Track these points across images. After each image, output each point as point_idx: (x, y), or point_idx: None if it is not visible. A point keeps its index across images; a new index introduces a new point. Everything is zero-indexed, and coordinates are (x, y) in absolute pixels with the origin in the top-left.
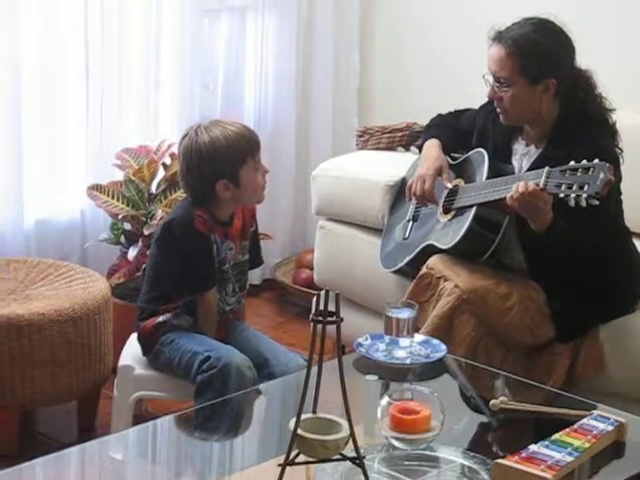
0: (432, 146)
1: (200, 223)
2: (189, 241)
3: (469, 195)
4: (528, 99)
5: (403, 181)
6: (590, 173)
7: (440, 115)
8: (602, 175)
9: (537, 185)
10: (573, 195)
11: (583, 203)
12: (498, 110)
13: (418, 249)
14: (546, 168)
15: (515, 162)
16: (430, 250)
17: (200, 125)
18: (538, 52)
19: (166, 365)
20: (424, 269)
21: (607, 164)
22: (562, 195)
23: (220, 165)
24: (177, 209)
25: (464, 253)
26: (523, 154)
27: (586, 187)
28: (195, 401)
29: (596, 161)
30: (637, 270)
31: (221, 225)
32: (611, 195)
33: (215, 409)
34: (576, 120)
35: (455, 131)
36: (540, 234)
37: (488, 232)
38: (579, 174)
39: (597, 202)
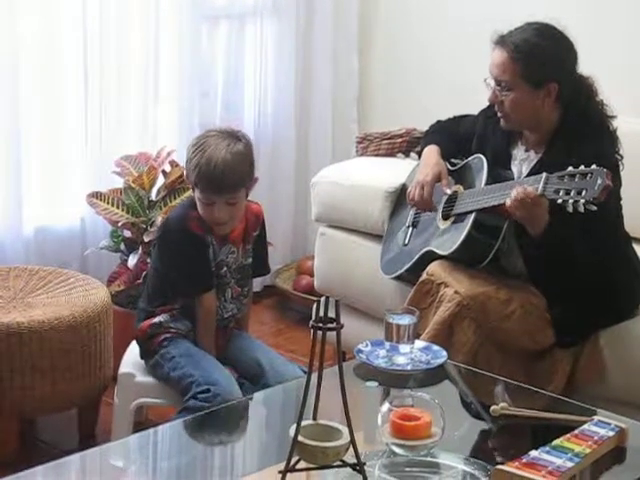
0: (431, 152)
1: (195, 224)
2: (184, 241)
3: (468, 201)
4: (529, 104)
5: (403, 187)
6: (588, 179)
7: (439, 121)
8: (600, 181)
9: (535, 190)
10: (571, 201)
11: (581, 209)
12: (499, 114)
13: (418, 255)
14: (544, 174)
15: (514, 167)
16: (430, 256)
17: (226, 131)
18: (540, 57)
19: (164, 378)
20: (424, 275)
21: (605, 170)
22: (560, 201)
23: (189, 169)
24: (175, 209)
25: (464, 259)
26: (522, 159)
27: (584, 193)
28: (175, 414)
29: (594, 167)
30: (637, 275)
31: None
32: (610, 201)
33: (216, 416)
34: (576, 126)
35: (454, 137)
36: (537, 239)
37: (488, 238)
38: (577, 180)
39: (595, 207)
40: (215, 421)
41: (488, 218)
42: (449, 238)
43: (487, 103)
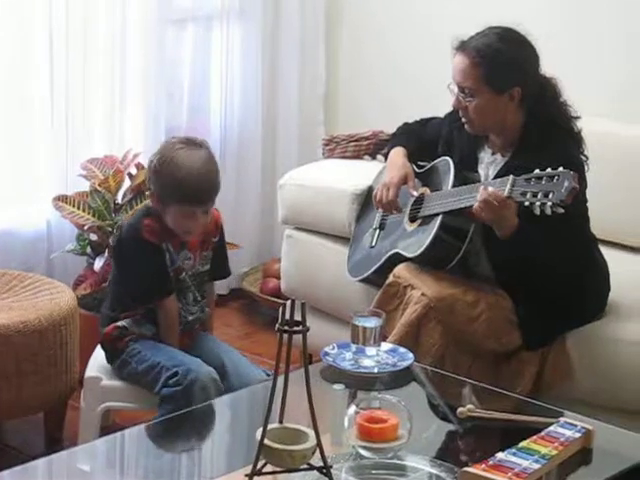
0: (397, 154)
1: (148, 232)
2: (137, 250)
3: (435, 203)
4: (493, 109)
5: (370, 189)
6: (555, 181)
7: (406, 123)
8: (567, 183)
9: (502, 193)
10: (538, 203)
11: (548, 211)
12: (463, 120)
13: (384, 258)
14: (511, 176)
15: (481, 170)
16: (397, 259)
17: (188, 141)
18: (502, 61)
19: (131, 376)
20: (391, 278)
21: (572, 172)
22: (527, 203)
23: (160, 184)
24: (129, 219)
25: (431, 261)
26: (489, 162)
27: (551, 195)
28: (158, 413)
29: (561, 169)
30: (603, 277)
31: (175, 235)
32: (576, 202)
33: (183, 420)
34: (542, 128)
35: (421, 139)
36: (505, 241)
37: (455, 240)
38: (544, 182)
39: (562, 210)
40: (182, 424)
41: (455, 220)
42: (416, 240)
43: (450, 103)
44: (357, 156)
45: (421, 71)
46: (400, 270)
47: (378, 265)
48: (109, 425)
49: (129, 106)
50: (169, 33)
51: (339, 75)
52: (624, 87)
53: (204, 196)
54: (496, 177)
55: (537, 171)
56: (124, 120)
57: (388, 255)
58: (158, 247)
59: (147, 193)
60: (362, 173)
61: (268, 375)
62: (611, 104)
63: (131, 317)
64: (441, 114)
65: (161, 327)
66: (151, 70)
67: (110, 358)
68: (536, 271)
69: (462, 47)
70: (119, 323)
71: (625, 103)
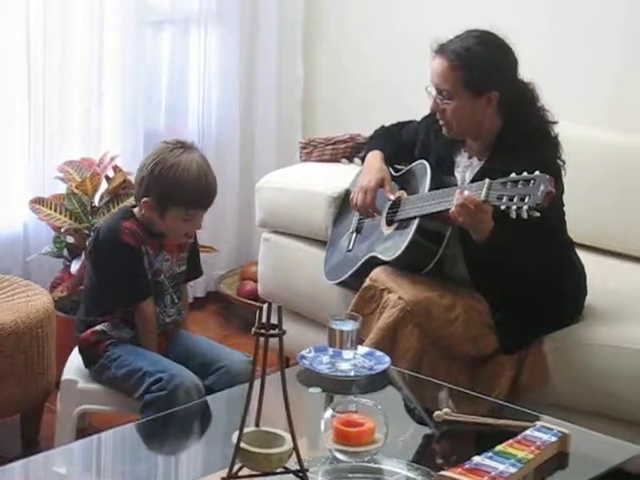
0: (374, 158)
1: (128, 235)
2: (116, 254)
3: (412, 207)
4: (470, 112)
5: (347, 193)
6: (531, 185)
7: (383, 127)
8: (543, 187)
9: (478, 197)
10: (514, 207)
11: (524, 215)
12: (441, 122)
13: (361, 261)
14: (487, 180)
15: (458, 174)
16: (374, 262)
17: (184, 145)
18: (480, 65)
19: (110, 380)
20: (368, 281)
21: (548, 176)
22: (503, 207)
23: (159, 188)
24: (106, 221)
25: (407, 265)
26: (466, 166)
27: (527, 199)
28: (140, 418)
29: (537, 173)
30: (580, 281)
31: (155, 237)
32: (553, 207)
33: (159, 423)
34: (518, 133)
35: (398, 143)
36: (481, 244)
37: (431, 244)
38: (520, 186)
39: (538, 214)
40: (158, 428)
41: (432, 224)
42: (393, 244)
43: (426, 108)
44: (334, 159)
45: (397, 75)
46: (377, 274)
47: (355, 269)
48: (85, 428)
49: (106, 108)
50: (147, 35)
51: (317, 78)
52: (608, 94)
53: (208, 199)
54: (472, 181)
55: (513, 175)
56: (101, 122)
57: (365, 259)
58: (137, 250)
59: (143, 199)
60: (339, 176)
61: (248, 356)
62: (595, 111)
63: (109, 321)
64: (418, 118)
65: (139, 330)
66: (128, 72)
67: (88, 362)
68: (512, 275)
69: (441, 50)
70: (97, 327)
71: (610, 110)
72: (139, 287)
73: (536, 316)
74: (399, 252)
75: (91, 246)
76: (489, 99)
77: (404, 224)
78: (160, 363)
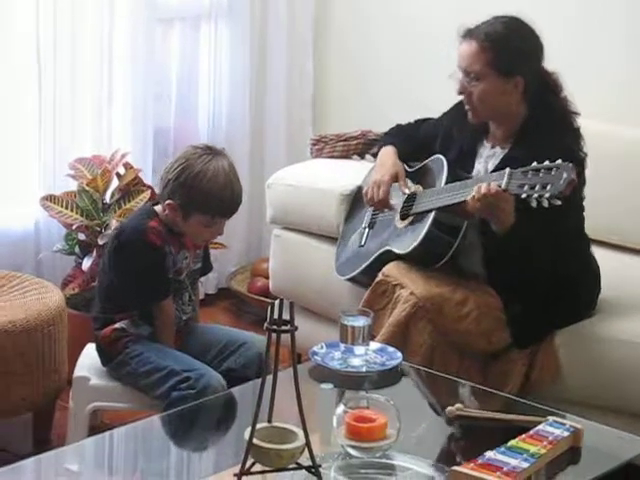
0: (388, 153)
1: (154, 235)
2: (141, 253)
3: (428, 200)
4: (498, 94)
5: (359, 189)
6: (553, 173)
7: (399, 125)
8: (565, 175)
9: (498, 186)
10: (535, 195)
11: (545, 204)
12: (467, 107)
13: (374, 256)
14: (507, 169)
15: (480, 165)
16: (387, 257)
17: (212, 150)
18: (509, 47)
19: (130, 377)
20: (380, 276)
21: (570, 164)
22: (524, 195)
23: (184, 193)
24: (130, 220)
25: (422, 258)
26: (489, 156)
27: (549, 187)
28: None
29: (559, 161)
30: (594, 277)
31: (175, 235)
32: (574, 200)
33: (171, 420)
34: (542, 121)
35: (412, 140)
36: (501, 235)
37: (447, 236)
38: (542, 175)
39: (559, 202)
40: (170, 424)
41: (448, 217)
42: (408, 237)
43: (442, 103)
44: (345, 156)
45: (408, 71)
46: (389, 269)
47: (368, 263)
48: (98, 425)
49: (117, 106)
50: (157, 33)
51: (327, 74)
52: (619, 88)
53: (233, 208)
54: (495, 170)
55: (535, 164)
56: (112, 120)
57: (378, 253)
58: (162, 249)
59: (167, 201)
60: (351, 173)
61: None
62: (605, 104)
63: (128, 318)
64: (429, 113)
65: (158, 328)
66: (139, 70)
67: (105, 359)
68: (531, 266)
69: (469, 34)
70: (117, 325)
71: (621, 104)
72: (162, 286)
73: (550, 310)
74: (415, 244)
75: (114, 245)
76: (516, 84)
77: (419, 217)
78: (186, 362)
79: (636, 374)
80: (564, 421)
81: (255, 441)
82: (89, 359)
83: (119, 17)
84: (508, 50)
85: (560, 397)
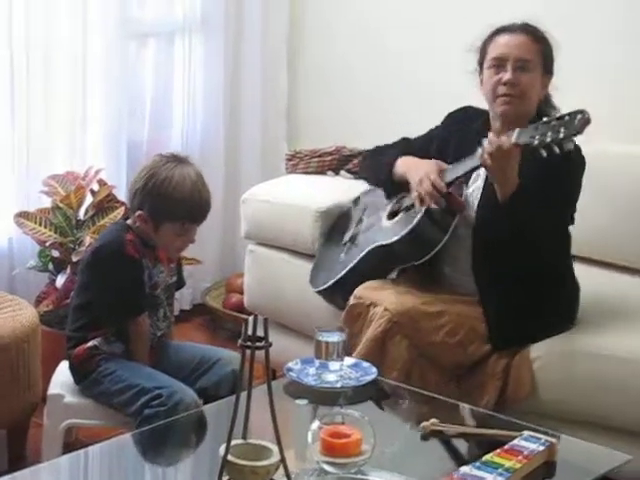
0: (409, 159)
1: (131, 248)
2: (120, 267)
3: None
4: (538, 88)
5: (340, 211)
6: (567, 119)
7: (378, 146)
8: (580, 116)
9: (509, 140)
10: (548, 140)
11: (556, 150)
12: (506, 99)
13: (361, 256)
14: (517, 129)
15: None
16: (373, 258)
17: (177, 158)
18: (549, 45)
19: (102, 395)
20: (352, 300)
21: (584, 109)
22: (536, 143)
23: (153, 202)
24: (106, 235)
25: (410, 250)
26: None
27: (562, 129)
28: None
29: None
30: (576, 289)
31: (150, 248)
32: (572, 194)
33: (146, 437)
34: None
35: (410, 151)
36: (504, 202)
37: (436, 231)
38: (553, 123)
39: (572, 145)
40: (145, 441)
41: (439, 212)
42: (397, 229)
43: (414, 118)
44: (320, 171)
45: (382, 87)
46: (360, 291)
47: (353, 264)
48: (72, 442)
49: (91, 122)
50: (131, 48)
51: (301, 90)
52: (610, 106)
53: (203, 213)
54: None
55: (545, 119)
56: (86, 136)
57: (365, 252)
58: (139, 263)
59: (137, 212)
60: (327, 190)
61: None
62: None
63: (101, 336)
64: (402, 129)
65: (132, 344)
66: (113, 86)
67: (78, 378)
68: (519, 257)
69: (511, 29)
70: (90, 343)
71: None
72: (138, 302)
73: (532, 314)
74: (404, 232)
75: (91, 261)
76: (546, 82)
77: (411, 213)
78: (158, 379)
79: (610, 388)
80: (539, 435)
81: (230, 458)
82: (63, 376)
83: (93, 33)
84: (550, 48)
85: (535, 411)
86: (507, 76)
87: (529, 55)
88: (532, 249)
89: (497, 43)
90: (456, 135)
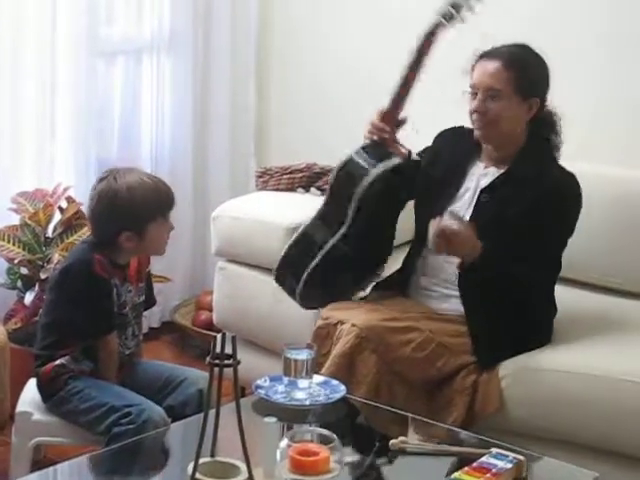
0: None
1: (100, 268)
2: (88, 286)
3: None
4: (513, 115)
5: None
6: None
7: None
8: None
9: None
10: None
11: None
12: (477, 125)
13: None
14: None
15: (470, 183)
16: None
17: (119, 171)
18: (530, 70)
19: (70, 413)
20: (319, 321)
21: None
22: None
23: (130, 217)
24: (74, 253)
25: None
26: (482, 175)
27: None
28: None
29: None
30: (554, 308)
31: (119, 268)
32: (563, 232)
33: (115, 455)
34: (541, 149)
35: None
36: (470, 266)
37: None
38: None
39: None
40: (114, 458)
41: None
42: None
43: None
44: (291, 188)
45: (352, 104)
46: (327, 312)
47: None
48: (41, 459)
49: (59, 139)
50: (99, 66)
51: (270, 107)
52: (608, 129)
53: (172, 196)
54: (491, 185)
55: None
56: (55, 153)
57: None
58: (108, 282)
59: (120, 236)
60: (297, 206)
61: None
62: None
63: (69, 354)
64: None
65: (101, 363)
66: (81, 103)
67: (46, 396)
68: (506, 288)
69: (489, 54)
70: (57, 362)
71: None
72: (106, 321)
73: (515, 329)
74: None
75: (58, 279)
76: (530, 106)
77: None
78: (127, 397)
79: (574, 404)
80: (507, 453)
81: (198, 476)
82: (31, 394)
83: (61, 51)
84: (529, 72)
85: (504, 428)
86: (474, 105)
87: (499, 84)
88: (518, 283)
89: (475, 70)
90: (446, 158)
